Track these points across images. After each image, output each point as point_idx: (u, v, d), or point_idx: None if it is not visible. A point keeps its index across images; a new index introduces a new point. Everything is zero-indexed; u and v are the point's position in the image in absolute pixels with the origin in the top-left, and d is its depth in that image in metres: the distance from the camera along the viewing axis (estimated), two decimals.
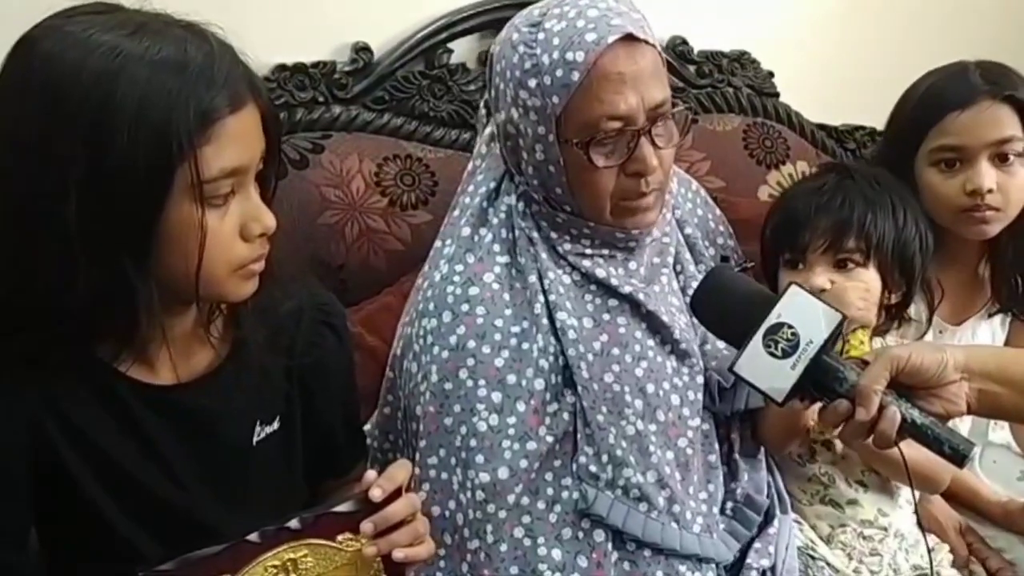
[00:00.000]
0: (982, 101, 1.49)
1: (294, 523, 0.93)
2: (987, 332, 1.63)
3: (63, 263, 0.90)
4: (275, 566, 0.92)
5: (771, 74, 2.07)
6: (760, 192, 1.90)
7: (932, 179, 1.52)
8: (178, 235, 0.93)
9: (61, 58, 0.89)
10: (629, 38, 1.16)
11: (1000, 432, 1.69)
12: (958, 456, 1.03)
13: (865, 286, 1.37)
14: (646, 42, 1.18)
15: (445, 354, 1.21)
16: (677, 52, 1.98)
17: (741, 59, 2.04)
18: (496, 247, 1.27)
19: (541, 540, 1.17)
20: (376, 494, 0.96)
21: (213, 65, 0.92)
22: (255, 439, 1.08)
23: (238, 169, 0.94)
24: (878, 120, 2.05)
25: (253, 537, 0.92)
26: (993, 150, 1.49)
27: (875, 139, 2.10)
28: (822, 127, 2.10)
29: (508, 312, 1.22)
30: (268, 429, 1.09)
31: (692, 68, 1.99)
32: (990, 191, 1.48)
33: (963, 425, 1.60)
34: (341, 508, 0.95)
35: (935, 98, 1.54)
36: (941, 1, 2.22)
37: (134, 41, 0.90)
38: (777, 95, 2.07)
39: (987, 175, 1.48)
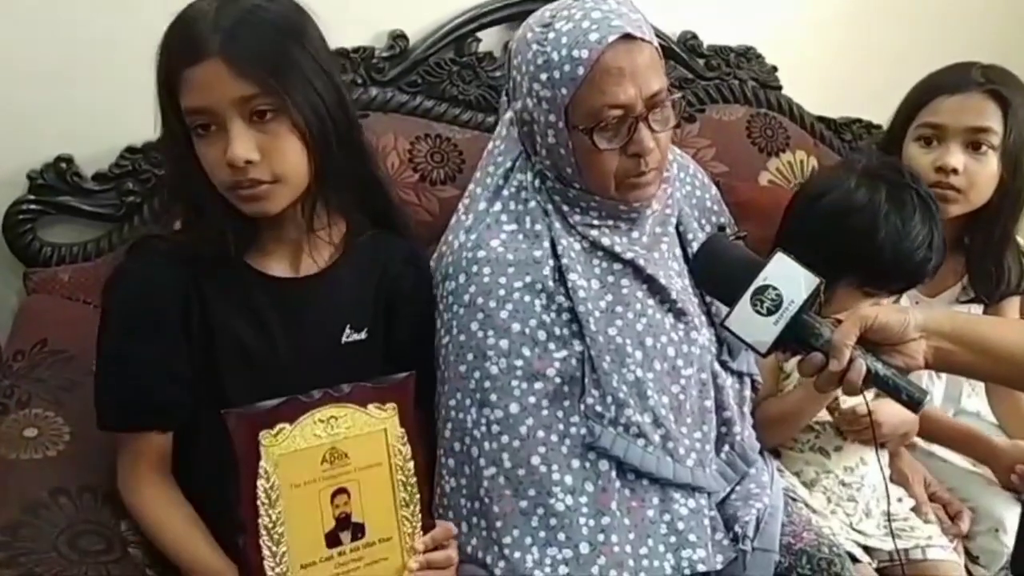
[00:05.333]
0: (971, 90, 1.62)
1: (334, 390, 1.16)
2: (962, 311, 1.74)
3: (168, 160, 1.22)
4: (321, 420, 1.15)
5: (775, 68, 2.15)
6: (760, 177, 1.99)
7: (912, 152, 1.66)
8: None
9: None
10: (627, 37, 1.27)
11: (973, 400, 1.81)
12: (914, 402, 1.17)
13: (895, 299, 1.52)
14: (643, 39, 1.29)
15: (461, 311, 1.35)
16: (688, 46, 2.05)
17: (747, 54, 2.12)
18: (504, 217, 1.40)
19: (555, 468, 1.30)
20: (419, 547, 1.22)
21: (191, 25, 1.16)
22: (343, 339, 1.30)
23: (203, 109, 1.16)
24: (874, 114, 2.14)
25: (303, 397, 1.14)
26: (968, 136, 1.62)
27: (870, 132, 2.19)
28: (821, 119, 2.17)
29: (511, 270, 1.35)
30: (356, 336, 1.32)
31: (701, 61, 2.07)
32: (955, 171, 1.61)
33: (937, 393, 1.75)
34: (369, 383, 1.19)
35: (933, 82, 1.68)
36: (938, 4, 2.28)
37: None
38: (780, 88, 2.15)
39: (956, 156, 1.61)
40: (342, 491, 1.16)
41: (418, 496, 1.21)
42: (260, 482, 1.11)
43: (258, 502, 1.11)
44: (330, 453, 1.15)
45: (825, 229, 1.49)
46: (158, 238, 1.29)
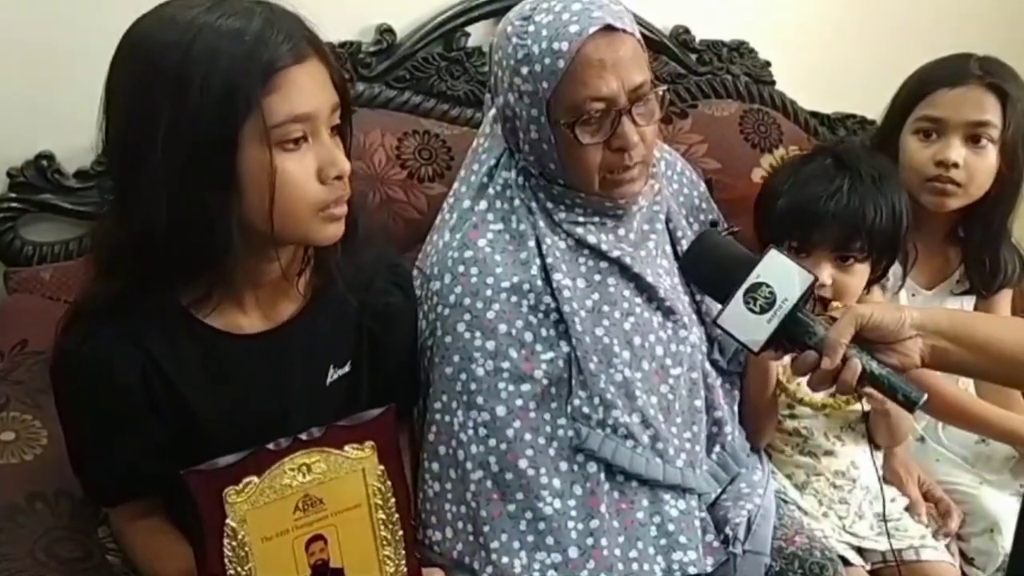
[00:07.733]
0: (971, 83, 1.61)
1: (304, 435, 1.09)
2: (956, 304, 1.74)
3: (151, 201, 1.02)
4: (292, 468, 1.08)
5: (768, 63, 2.12)
6: (753, 174, 1.96)
7: (910, 145, 1.65)
8: (255, 176, 1.03)
9: (150, 34, 1.04)
10: (608, 28, 1.25)
11: None
12: (910, 402, 1.15)
13: (861, 279, 1.48)
14: (624, 31, 1.27)
15: (446, 312, 1.33)
16: (680, 40, 2.03)
17: (740, 49, 2.09)
18: (490, 216, 1.38)
19: (543, 471, 1.29)
20: None
21: (273, 26, 1.03)
22: (328, 380, 1.21)
23: (306, 115, 1.04)
24: (868, 109, 2.13)
25: (271, 446, 1.07)
26: (969, 130, 1.61)
27: (864, 127, 2.17)
28: (815, 115, 2.16)
29: (499, 271, 1.33)
30: (340, 372, 1.22)
31: (693, 56, 2.04)
32: (955, 165, 1.60)
33: None
34: (344, 423, 1.12)
35: (931, 74, 1.67)
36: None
37: (209, 14, 1.03)
38: (773, 83, 2.12)
39: (956, 150, 1.60)
40: (318, 538, 1.10)
41: (401, 532, 1.16)
42: (227, 541, 1.05)
43: (226, 560, 1.05)
44: (303, 501, 1.09)
45: None
46: (98, 310, 1.10)
